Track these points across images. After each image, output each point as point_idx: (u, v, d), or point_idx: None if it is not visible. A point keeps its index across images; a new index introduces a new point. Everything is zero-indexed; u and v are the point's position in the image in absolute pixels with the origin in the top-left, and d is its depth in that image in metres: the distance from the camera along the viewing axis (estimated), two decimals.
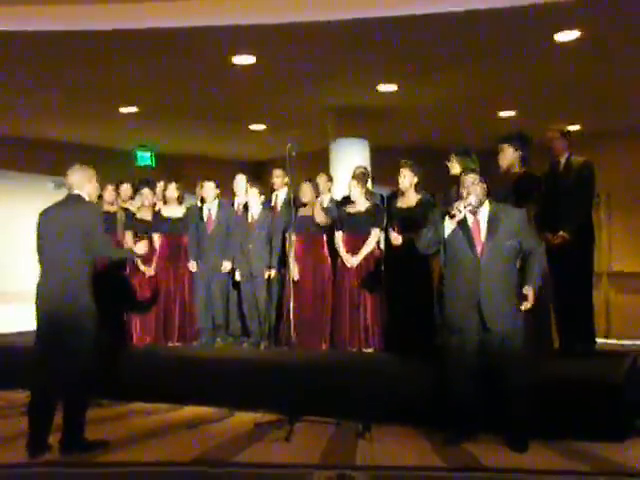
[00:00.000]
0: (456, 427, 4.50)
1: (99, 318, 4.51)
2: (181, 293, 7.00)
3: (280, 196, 7.08)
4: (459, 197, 4.50)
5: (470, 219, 4.46)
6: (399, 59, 7.21)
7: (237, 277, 6.82)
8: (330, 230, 6.48)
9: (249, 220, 6.81)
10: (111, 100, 8.67)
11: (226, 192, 7.41)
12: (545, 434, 4.48)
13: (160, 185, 7.57)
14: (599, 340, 6.07)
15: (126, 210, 7.36)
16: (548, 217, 5.45)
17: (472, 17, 6.00)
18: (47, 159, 10.24)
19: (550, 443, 4.42)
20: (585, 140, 8.70)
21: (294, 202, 6.18)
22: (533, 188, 5.48)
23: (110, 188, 7.28)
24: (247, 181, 7.13)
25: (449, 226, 4.42)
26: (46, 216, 4.56)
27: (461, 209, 4.36)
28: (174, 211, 7.08)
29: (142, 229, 7.06)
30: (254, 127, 10.26)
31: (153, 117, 9.59)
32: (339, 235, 6.35)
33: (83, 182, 4.58)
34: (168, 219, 7.04)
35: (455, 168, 5.58)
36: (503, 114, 9.31)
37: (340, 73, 7.64)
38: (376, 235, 6.27)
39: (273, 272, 6.66)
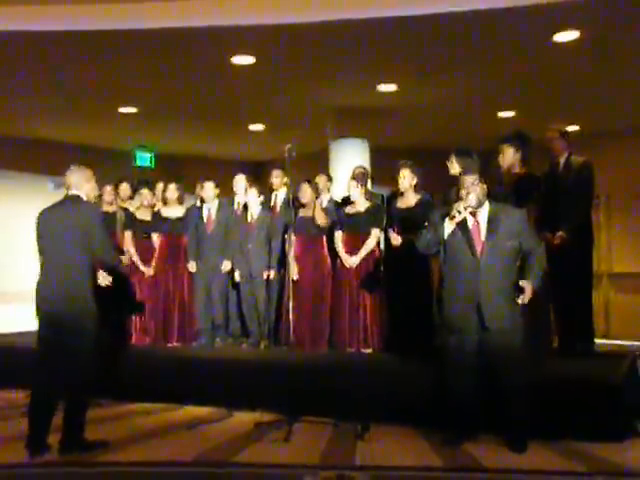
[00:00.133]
0: (455, 427, 4.50)
1: (99, 318, 4.51)
2: (180, 293, 7.01)
3: (279, 196, 7.08)
4: (459, 198, 4.50)
5: (470, 220, 4.46)
6: (399, 59, 7.21)
7: (236, 277, 6.82)
8: (330, 230, 6.48)
9: (248, 220, 6.81)
10: (110, 100, 8.67)
11: (225, 192, 7.41)
12: (544, 434, 4.48)
13: (159, 186, 7.58)
14: (598, 340, 6.07)
15: (125, 210, 7.36)
16: (548, 217, 5.45)
17: (472, 17, 6.00)
18: (46, 159, 10.24)
19: (549, 443, 4.42)
20: (584, 140, 8.71)
21: (293, 203, 6.19)
22: (533, 188, 5.48)
23: (109, 188, 7.29)
24: (246, 181, 7.13)
25: (449, 227, 4.41)
26: (45, 217, 4.56)
27: (461, 210, 4.36)
28: (174, 211, 7.09)
29: (141, 229, 7.07)
30: (253, 127, 10.25)
31: (152, 117, 9.59)
32: (339, 235, 6.35)
33: (81, 182, 4.57)
34: (168, 219, 7.05)
35: (455, 168, 5.58)
36: (503, 114, 9.31)
37: (340, 73, 7.64)
38: (376, 235, 6.27)
39: (272, 272, 6.67)
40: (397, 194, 6.17)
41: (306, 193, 6.51)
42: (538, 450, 4.31)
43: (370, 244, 6.22)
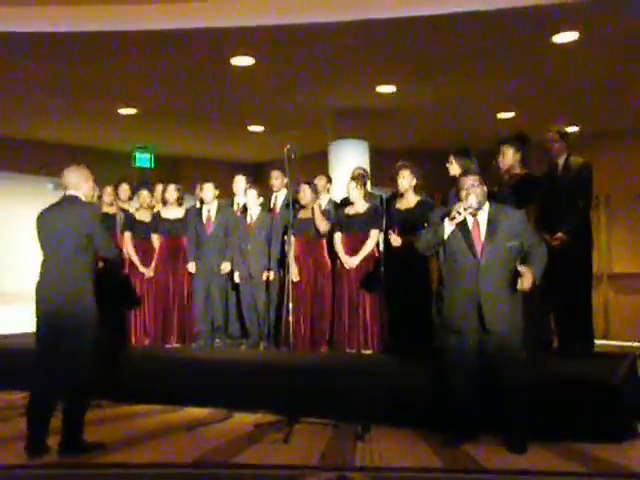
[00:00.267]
0: (455, 429, 4.50)
1: (99, 319, 4.51)
2: (180, 294, 7.01)
3: (279, 197, 7.08)
4: (458, 199, 4.50)
5: (470, 220, 4.45)
6: (398, 60, 7.22)
7: (236, 278, 6.82)
8: (329, 231, 6.48)
9: (248, 221, 6.81)
10: (110, 101, 8.67)
11: (225, 193, 7.42)
12: (544, 435, 4.47)
13: (159, 187, 7.58)
14: (598, 341, 6.07)
15: (125, 211, 7.37)
16: (547, 218, 5.45)
17: (471, 18, 6.01)
18: (45, 160, 10.24)
19: (549, 444, 4.42)
20: (584, 141, 8.72)
21: (293, 204, 6.19)
22: (533, 189, 5.48)
23: (109, 190, 7.30)
24: (246, 182, 7.14)
25: (448, 228, 4.41)
26: (43, 217, 4.55)
27: (461, 211, 4.35)
28: (173, 212, 7.09)
29: (141, 230, 7.08)
30: (253, 128, 10.26)
31: (152, 118, 9.59)
32: (338, 236, 6.35)
33: (80, 182, 4.57)
34: (167, 220, 7.05)
35: (455, 169, 5.58)
36: (502, 115, 9.32)
37: (339, 74, 7.65)
38: (375, 236, 6.27)
39: (272, 274, 6.67)
40: (397, 195, 6.18)
41: (305, 194, 6.52)
42: (538, 451, 4.30)
43: (369, 245, 6.22)
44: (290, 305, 5.66)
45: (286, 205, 6.69)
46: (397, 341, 6.01)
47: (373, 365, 5.77)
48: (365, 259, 6.21)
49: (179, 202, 7.17)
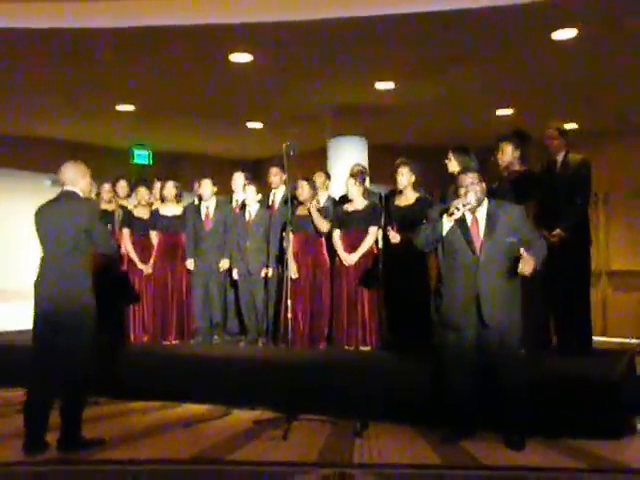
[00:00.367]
0: (453, 425, 4.50)
1: (97, 316, 4.51)
2: (179, 291, 7.01)
3: (278, 194, 7.08)
4: (457, 196, 4.50)
5: (469, 217, 4.45)
6: (397, 57, 7.21)
7: (234, 275, 6.82)
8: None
9: (246, 218, 6.81)
10: (108, 98, 8.65)
11: (224, 190, 7.41)
12: (542, 432, 4.48)
13: (157, 184, 7.58)
14: (596, 338, 6.07)
15: (123, 208, 7.36)
16: (545, 215, 5.45)
17: (469, 15, 6.00)
18: (44, 157, 10.23)
19: (547, 441, 4.43)
20: (583, 138, 8.71)
21: (292, 201, 6.19)
22: (533, 186, 5.48)
23: (107, 187, 7.29)
24: (245, 179, 7.13)
25: (447, 224, 4.41)
26: (41, 214, 4.55)
27: (460, 207, 4.35)
28: (172, 209, 7.09)
29: (139, 227, 7.08)
30: (251, 125, 10.24)
31: (150, 115, 9.57)
32: (337, 233, 6.35)
33: (77, 178, 4.57)
34: (165, 217, 7.04)
35: (453, 166, 5.58)
36: (501, 112, 9.30)
37: (338, 71, 7.63)
38: (374, 233, 6.27)
39: (270, 270, 6.67)
40: (395, 192, 6.17)
41: (304, 191, 6.51)
42: (536, 447, 4.31)
43: (368, 242, 6.22)
44: (289, 302, 5.66)
45: (285, 202, 6.68)
46: (395, 338, 6.01)
47: (371, 362, 5.76)
48: (364, 256, 6.21)
49: (177, 199, 7.17)
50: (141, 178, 7.80)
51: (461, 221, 4.42)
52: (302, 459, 4.24)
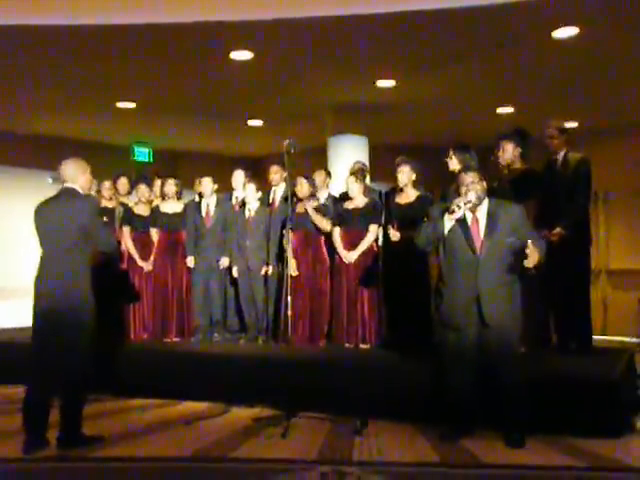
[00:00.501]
0: (453, 423, 4.51)
1: (97, 313, 4.51)
2: (179, 289, 7.01)
3: (278, 192, 7.08)
4: (458, 194, 4.50)
5: (469, 216, 4.45)
6: (397, 55, 7.20)
7: (234, 273, 6.82)
8: None
9: (247, 216, 6.81)
10: (108, 95, 8.65)
11: (224, 188, 7.41)
12: (542, 430, 4.49)
13: (157, 181, 7.59)
14: (595, 337, 6.07)
15: (124, 205, 7.37)
16: (545, 214, 5.45)
17: (470, 13, 5.99)
18: (44, 154, 10.22)
19: (547, 439, 4.43)
20: (583, 137, 8.70)
21: (291, 198, 6.19)
22: (533, 184, 5.48)
23: (108, 184, 7.30)
24: (245, 177, 7.13)
25: (448, 223, 4.41)
26: (41, 211, 4.54)
27: (461, 205, 4.35)
28: (172, 207, 7.09)
29: (140, 224, 7.08)
30: (252, 123, 10.24)
31: (150, 112, 9.57)
32: (337, 231, 6.35)
33: (77, 175, 4.56)
34: (166, 214, 7.05)
35: (454, 164, 5.58)
36: (501, 110, 9.30)
37: (338, 69, 7.63)
38: (374, 231, 6.27)
39: (270, 268, 6.67)
40: (396, 190, 6.17)
41: (303, 188, 6.51)
42: (536, 446, 4.32)
43: (368, 240, 6.22)
44: (289, 299, 5.66)
45: (285, 199, 6.69)
46: (395, 336, 6.01)
47: (371, 360, 5.77)
48: (364, 254, 6.21)
49: (178, 196, 7.17)
50: (141, 175, 7.80)
51: (462, 221, 4.43)
52: (302, 457, 4.25)
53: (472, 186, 4.41)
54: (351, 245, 6.25)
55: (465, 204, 4.35)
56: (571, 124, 9.08)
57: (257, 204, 6.82)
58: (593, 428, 4.47)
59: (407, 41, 6.78)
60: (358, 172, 6.62)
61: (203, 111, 9.51)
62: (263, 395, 5.53)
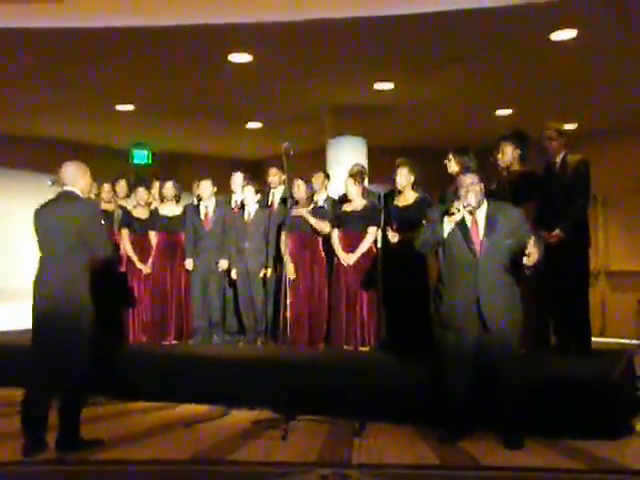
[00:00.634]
0: (452, 425, 4.50)
1: (96, 316, 4.51)
2: (178, 291, 7.01)
3: (277, 194, 7.08)
4: (457, 196, 4.50)
5: (468, 218, 4.45)
6: (396, 57, 7.21)
7: (233, 275, 6.82)
8: None
9: (245, 218, 6.81)
10: (107, 98, 8.65)
11: (223, 190, 7.41)
12: (541, 432, 4.49)
13: (156, 184, 7.59)
14: (594, 338, 6.07)
15: (122, 208, 7.37)
16: (545, 216, 5.45)
17: (469, 15, 6.00)
18: (44, 156, 10.22)
19: (546, 441, 4.43)
20: (582, 139, 8.71)
21: (291, 201, 6.19)
22: (533, 187, 5.48)
23: (107, 187, 7.30)
24: (244, 179, 7.13)
25: (448, 226, 4.41)
26: (40, 214, 4.54)
27: (460, 208, 4.35)
28: (171, 209, 7.09)
29: (138, 227, 7.08)
30: (251, 125, 10.25)
31: (149, 115, 9.57)
32: (335, 233, 6.35)
33: (77, 178, 4.56)
34: (165, 217, 7.05)
35: (453, 167, 5.59)
36: (500, 112, 9.31)
37: (337, 71, 7.64)
38: (373, 233, 6.27)
39: (269, 270, 6.67)
40: (395, 192, 6.18)
41: (300, 189, 6.51)
42: (535, 448, 4.32)
43: (367, 242, 6.22)
44: (288, 302, 5.66)
45: (283, 202, 6.69)
46: (394, 338, 6.01)
47: (370, 362, 5.77)
48: (363, 256, 6.21)
49: (176, 199, 7.17)
50: (140, 178, 7.80)
51: (461, 223, 4.43)
52: (301, 459, 4.24)
53: (471, 187, 4.41)
54: (350, 247, 6.25)
55: (465, 207, 4.36)
56: (570, 126, 9.10)
57: (256, 206, 6.82)
58: (592, 430, 4.47)
59: (405, 43, 6.78)
60: (357, 174, 6.63)
61: (202, 113, 9.52)
62: (262, 398, 5.52)
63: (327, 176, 7.35)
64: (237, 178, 7.20)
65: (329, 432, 4.86)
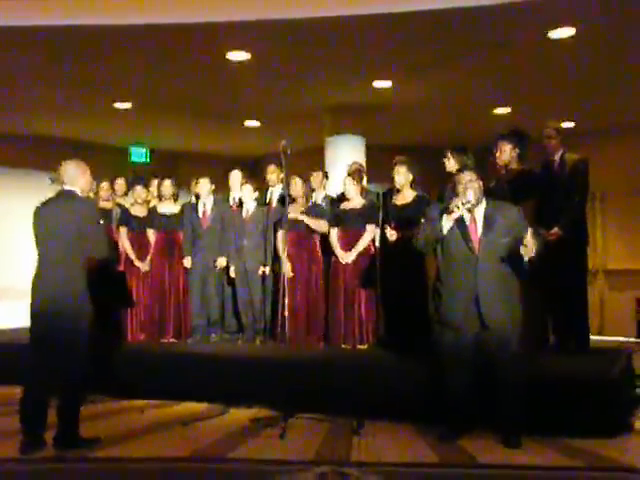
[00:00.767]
0: (451, 423, 4.51)
1: (94, 314, 4.50)
2: (176, 289, 7.01)
3: (275, 192, 7.08)
4: (455, 194, 4.50)
5: (467, 216, 4.45)
6: (394, 56, 7.21)
7: (232, 273, 6.81)
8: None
9: (243, 216, 6.80)
10: (105, 96, 8.64)
11: (221, 188, 7.41)
12: (540, 430, 4.49)
13: (154, 182, 7.58)
14: (593, 337, 6.09)
15: (121, 206, 7.36)
16: (543, 214, 5.46)
17: (467, 14, 6.00)
18: (42, 155, 10.22)
19: (545, 439, 4.43)
20: (580, 137, 8.72)
21: (288, 199, 6.19)
22: (531, 185, 5.48)
23: (105, 185, 7.29)
24: (242, 177, 7.13)
25: (447, 223, 4.41)
26: (39, 213, 4.53)
27: (459, 205, 4.35)
28: (169, 207, 7.09)
29: (137, 225, 7.08)
30: (249, 123, 10.25)
31: (148, 113, 9.57)
32: (334, 232, 6.35)
33: (77, 177, 4.55)
34: (163, 215, 7.04)
35: (451, 165, 5.60)
36: (498, 111, 9.32)
37: (335, 69, 7.64)
38: (371, 232, 6.27)
39: (267, 269, 6.66)
40: (393, 191, 6.17)
41: (297, 187, 6.50)
42: (534, 446, 4.32)
43: (365, 240, 6.22)
44: (286, 300, 5.66)
45: (282, 199, 6.69)
46: (393, 336, 6.01)
47: (369, 360, 5.77)
48: (361, 254, 6.21)
49: (175, 197, 7.17)
50: (138, 176, 7.80)
51: (459, 221, 4.43)
52: (299, 457, 4.24)
53: (470, 185, 4.42)
54: (348, 246, 6.25)
55: (464, 204, 4.36)
56: (568, 125, 9.11)
57: (254, 205, 6.81)
58: (591, 428, 4.47)
59: (404, 42, 6.79)
60: (355, 173, 6.63)
61: (200, 111, 9.52)
62: (261, 396, 5.52)
63: (325, 174, 7.35)
64: (235, 176, 7.19)
65: (328, 430, 4.86)
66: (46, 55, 7.05)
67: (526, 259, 4.23)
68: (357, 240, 6.22)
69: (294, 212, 6.38)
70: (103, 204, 7.15)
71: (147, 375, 6.10)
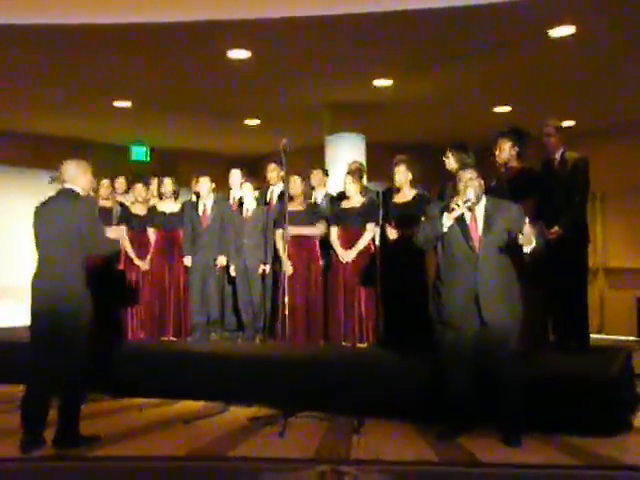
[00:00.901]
0: (451, 422, 4.51)
1: (95, 313, 4.50)
2: (176, 288, 7.00)
3: (275, 191, 7.08)
4: (456, 193, 4.50)
5: (467, 214, 4.45)
6: (395, 54, 7.21)
7: (232, 272, 6.81)
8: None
9: (244, 215, 6.80)
10: (105, 94, 8.64)
11: (221, 187, 7.41)
12: (539, 429, 4.49)
13: (154, 181, 7.58)
14: (593, 335, 6.09)
15: (121, 204, 7.36)
16: (543, 213, 5.45)
17: (467, 12, 6.00)
18: (42, 153, 10.22)
19: (544, 438, 4.44)
20: (580, 136, 8.72)
21: (287, 198, 6.18)
22: (531, 183, 5.48)
23: (106, 183, 7.29)
24: (242, 176, 7.13)
25: (447, 221, 4.41)
26: (39, 212, 4.53)
27: (460, 203, 4.35)
28: (169, 206, 7.08)
29: (137, 223, 7.07)
30: (249, 122, 10.24)
31: (148, 111, 9.56)
32: (334, 230, 6.35)
33: (77, 175, 4.54)
34: (163, 214, 7.04)
35: (451, 163, 5.59)
36: (498, 109, 9.31)
37: (336, 68, 7.63)
38: (371, 230, 6.27)
39: (267, 267, 6.66)
40: (393, 189, 6.17)
41: (296, 185, 6.50)
42: (533, 445, 4.32)
43: (365, 239, 6.22)
44: (286, 299, 5.66)
45: (281, 198, 6.69)
46: (393, 335, 6.01)
47: (368, 358, 5.77)
48: (361, 253, 6.21)
49: (175, 196, 7.17)
50: (139, 175, 7.79)
51: (460, 219, 4.43)
52: (299, 456, 4.25)
53: (470, 183, 4.41)
54: (348, 244, 6.25)
55: (464, 202, 4.36)
56: (568, 123, 9.11)
57: (254, 203, 6.81)
58: (591, 426, 4.47)
59: (404, 40, 6.78)
60: (355, 172, 6.62)
61: (200, 110, 9.51)
62: (261, 394, 5.52)
63: (326, 173, 7.35)
64: (235, 175, 7.19)
65: (327, 429, 4.86)
66: (46, 54, 7.05)
67: (525, 250, 4.23)
68: (357, 239, 6.22)
69: (292, 207, 6.38)
70: (103, 202, 7.15)
71: (147, 373, 6.10)
